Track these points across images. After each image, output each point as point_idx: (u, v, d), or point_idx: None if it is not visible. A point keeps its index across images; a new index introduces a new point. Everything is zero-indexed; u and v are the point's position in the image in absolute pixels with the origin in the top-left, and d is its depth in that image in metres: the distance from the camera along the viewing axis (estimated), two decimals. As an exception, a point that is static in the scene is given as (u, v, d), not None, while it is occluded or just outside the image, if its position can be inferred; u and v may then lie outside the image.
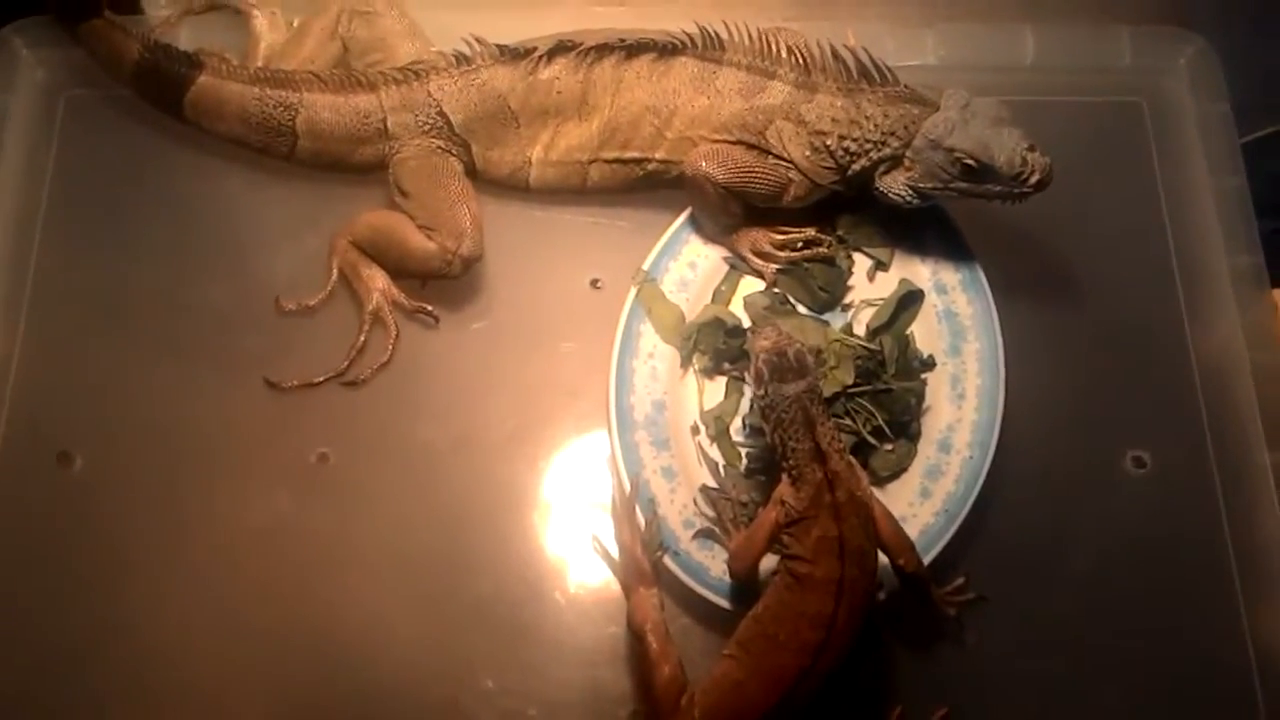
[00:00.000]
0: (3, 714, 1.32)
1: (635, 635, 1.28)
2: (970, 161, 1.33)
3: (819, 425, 1.22)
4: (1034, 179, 1.33)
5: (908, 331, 1.46)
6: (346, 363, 1.45)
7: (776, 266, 1.47)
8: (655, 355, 1.44)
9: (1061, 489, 1.43)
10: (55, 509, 1.39)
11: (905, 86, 1.39)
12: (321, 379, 1.44)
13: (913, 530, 1.33)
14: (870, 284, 1.48)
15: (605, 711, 1.33)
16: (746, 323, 1.46)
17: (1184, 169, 1.57)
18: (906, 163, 1.38)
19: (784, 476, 1.25)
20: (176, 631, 1.35)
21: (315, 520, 1.40)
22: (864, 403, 1.38)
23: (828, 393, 1.35)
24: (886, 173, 1.40)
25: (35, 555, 1.37)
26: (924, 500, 1.37)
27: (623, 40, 1.44)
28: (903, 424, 1.39)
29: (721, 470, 1.41)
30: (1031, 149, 1.33)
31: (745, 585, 1.30)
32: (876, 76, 1.39)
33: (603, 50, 1.44)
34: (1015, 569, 1.39)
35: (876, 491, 1.30)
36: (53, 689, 1.33)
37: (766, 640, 1.21)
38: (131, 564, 1.37)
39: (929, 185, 1.37)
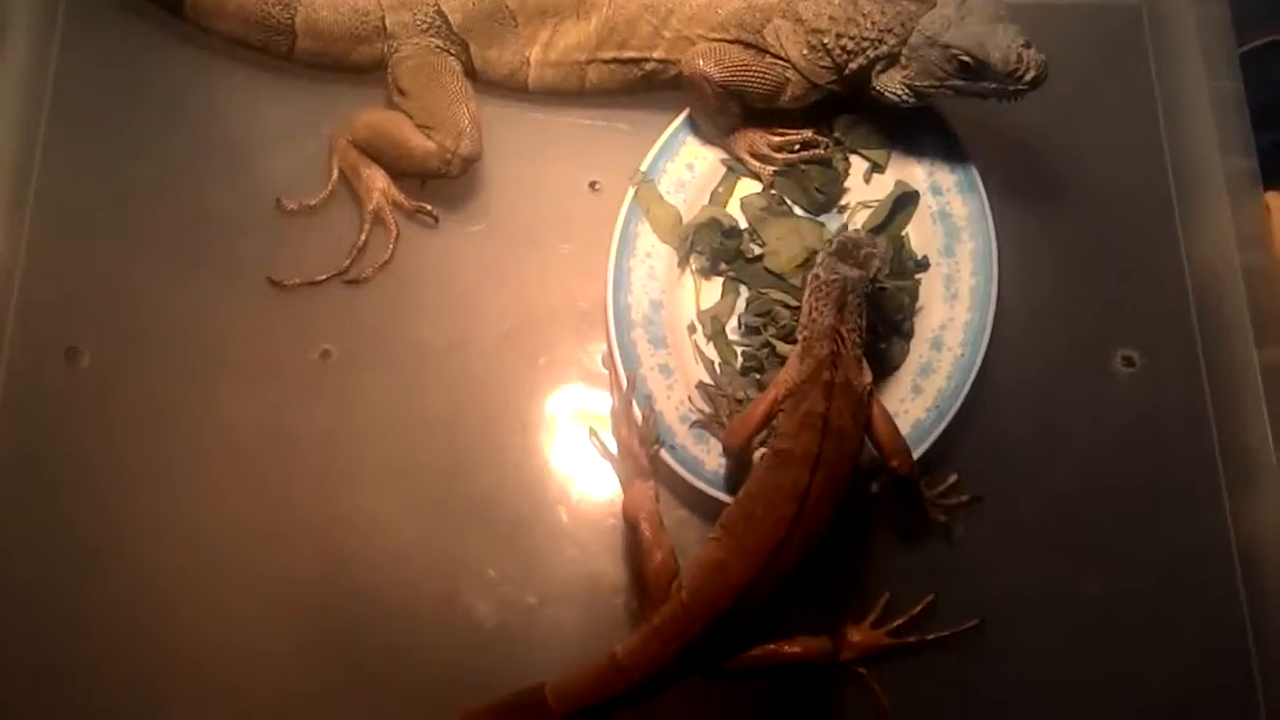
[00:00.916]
0: (10, 606, 1.35)
1: (629, 524, 1.31)
2: (966, 58, 1.34)
3: (847, 310, 1.26)
4: (1029, 76, 1.34)
5: (903, 232, 1.47)
6: (348, 261, 1.47)
7: (774, 168, 1.48)
8: (652, 255, 1.46)
9: (1051, 387, 1.45)
10: (63, 403, 1.42)
11: (902, -16, 1.39)
12: (324, 277, 1.46)
13: (904, 425, 1.35)
14: (867, 186, 1.50)
15: (602, 601, 1.37)
16: (743, 224, 1.48)
17: (1181, 72, 1.57)
18: (903, 61, 1.38)
19: (792, 351, 1.29)
20: (180, 525, 1.38)
21: (317, 416, 1.42)
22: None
23: (806, 294, 1.37)
24: (883, 71, 1.40)
25: (44, 448, 1.40)
26: (916, 396, 1.39)
27: (622, -62, 1.44)
28: (896, 322, 1.41)
29: (717, 368, 1.43)
30: (1027, 45, 1.33)
31: (737, 464, 1.34)
32: (873, -26, 1.39)
33: (602, -53, 1.45)
34: (1004, 464, 1.41)
35: (868, 386, 1.33)
36: (58, 583, 1.36)
37: (746, 518, 1.25)
38: (137, 458, 1.40)
39: (925, 83, 1.38)
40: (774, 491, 1.24)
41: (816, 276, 1.28)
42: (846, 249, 1.28)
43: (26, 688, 1.33)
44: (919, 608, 1.34)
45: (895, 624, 1.33)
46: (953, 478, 1.38)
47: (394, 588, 1.37)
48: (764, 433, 1.32)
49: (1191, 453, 1.43)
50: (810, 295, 1.28)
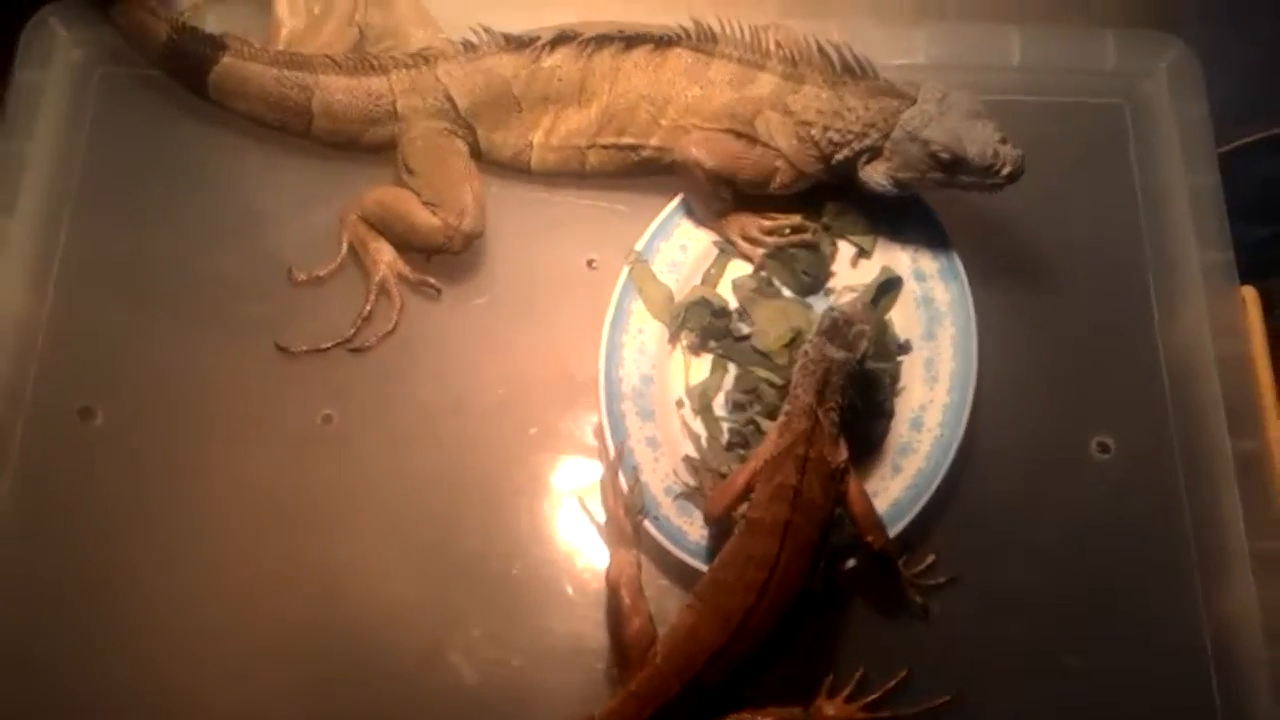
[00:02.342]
0: (20, 651, 1.41)
1: (610, 590, 1.36)
2: (944, 154, 1.40)
3: (828, 391, 1.31)
4: (1005, 171, 1.40)
5: (887, 316, 1.52)
6: (353, 330, 1.53)
7: (764, 251, 1.54)
8: (644, 332, 1.51)
9: (1028, 470, 1.49)
10: (76, 460, 1.48)
11: (886, 81, 1.46)
12: (329, 345, 1.52)
13: (883, 503, 1.39)
14: (853, 269, 1.55)
15: (586, 664, 1.40)
16: (733, 304, 1.53)
17: (1161, 168, 1.63)
18: (886, 154, 1.45)
19: (774, 425, 1.34)
20: (185, 577, 1.43)
21: (318, 477, 1.48)
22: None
23: (795, 369, 1.42)
24: (868, 163, 1.47)
25: (56, 502, 1.46)
26: (895, 475, 1.43)
27: (621, 31, 1.52)
28: (878, 402, 1.46)
29: (703, 442, 1.48)
30: (1004, 141, 1.39)
31: (718, 535, 1.38)
32: (859, 70, 1.47)
33: (602, 41, 1.52)
34: (981, 544, 1.45)
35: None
36: (66, 630, 1.41)
37: (717, 585, 1.29)
38: (145, 513, 1.46)
39: (907, 175, 1.44)
40: (744, 559, 1.29)
41: (805, 353, 1.33)
42: (837, 327, 1.32)
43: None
44: (893, 682, 1.37)
45: (870, 698, 1.36)
46: (931, 558, 1.42)
47: (382, 641, 1.42)
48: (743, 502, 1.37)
49: (1165, 537, 1.46)
50: (797, 370, 1.33)
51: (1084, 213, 1.61)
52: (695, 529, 1.42)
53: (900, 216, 1.54)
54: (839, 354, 1.31)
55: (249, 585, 1.44)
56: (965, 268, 1.51)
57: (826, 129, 1.46)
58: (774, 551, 1.26)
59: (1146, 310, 1.56)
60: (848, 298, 1.52)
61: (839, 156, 1.47)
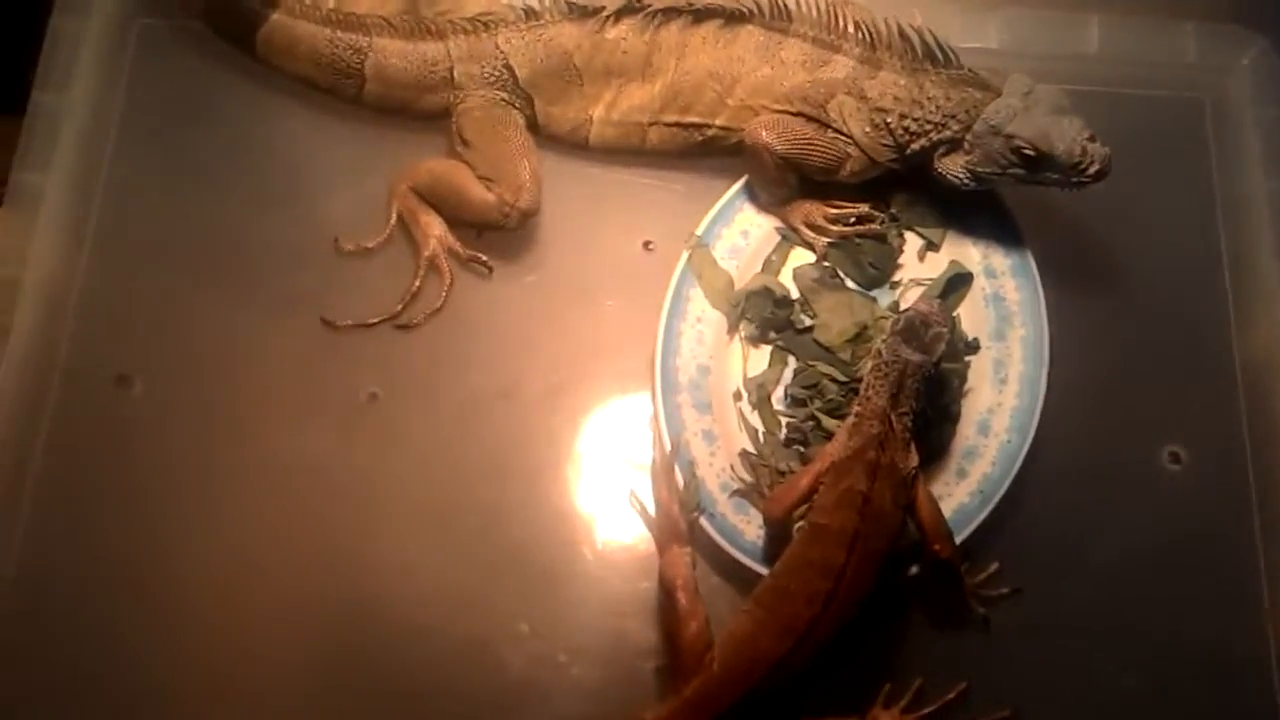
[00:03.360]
0: (45, 625, 1.36)
1: (665, 591, 1.31)
2: (1029, 150, 1.34)
3: (902, 394, 1.26)
4: (1093, 169, 1.34)
5: (955, 313, 1.47)
6: (400, 306, 1.47)
7: (828, 240, 1.49)
8: (703, 320, 1.46)
9: (1096, 479, 1.45)
10: (112, 429, 1.43)
11: (969, 70, 1.40)
12: (375, 320, 1.47)
13: (948, 509, 1.34)
14: (920, 263, 1.50)
15: (631, 663, 1.36)
16: (795, 294, 1.48)
17: (1240, 169, 1.57)
18: (966, 146, 1.39)
19: (842, 425, 1.30)
20: (221, 555, 1.39)
21: (361, 457, 1.43)
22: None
23: (867, 369, 1.38)
24: (945, 155, 1.41)
25: (90, 472, 1.41)
26: (960, 480, 1.39)
27: (690, 4, 1.45)
28: (943, 405, 1.40)
29: (761, 437, 1.43)
30: (1092, 139, 1.33)
31: (775, 535, 1.33)
32: (941, 58, 1.40)
33: (670, 13, 1.46)
34: (1045, 554, 1.41)
35: (911, 467, 1.33)
36: (93, 606, 1.37)
37: (779, 592, 1.25)
38: (182, 487, 1.41)
39: (986, 170, 1.39)
40: (808, 567, 1.24)
41: (879, 353, 1.28)
42: (914, 328, 1.27)
43: (57, 698, 1.34)
44: (951, 694, 1.33)
45: (926, 711, 1.32)
46: (994, 566, 1.37)
47: (423, 629, 1.38)
48: (805, 505, 1.32)
49: (1234, 553, 1.42)
50: (869, 370, 1.28)
51: (1159, 211, 1.56)
52: (752, 528, 1.38)
53: (971, 209, 1.49)
54: (915, 356, 1.26)
55: (284, 566, 1.39)
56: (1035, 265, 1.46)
57: (903, 117, 1.40)
58: (840, 561, 1.21)
59: (1223, 316, 1.51)
60: (915, 293, 1.47)
61: (914, 147, 1.41)
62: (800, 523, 1.32)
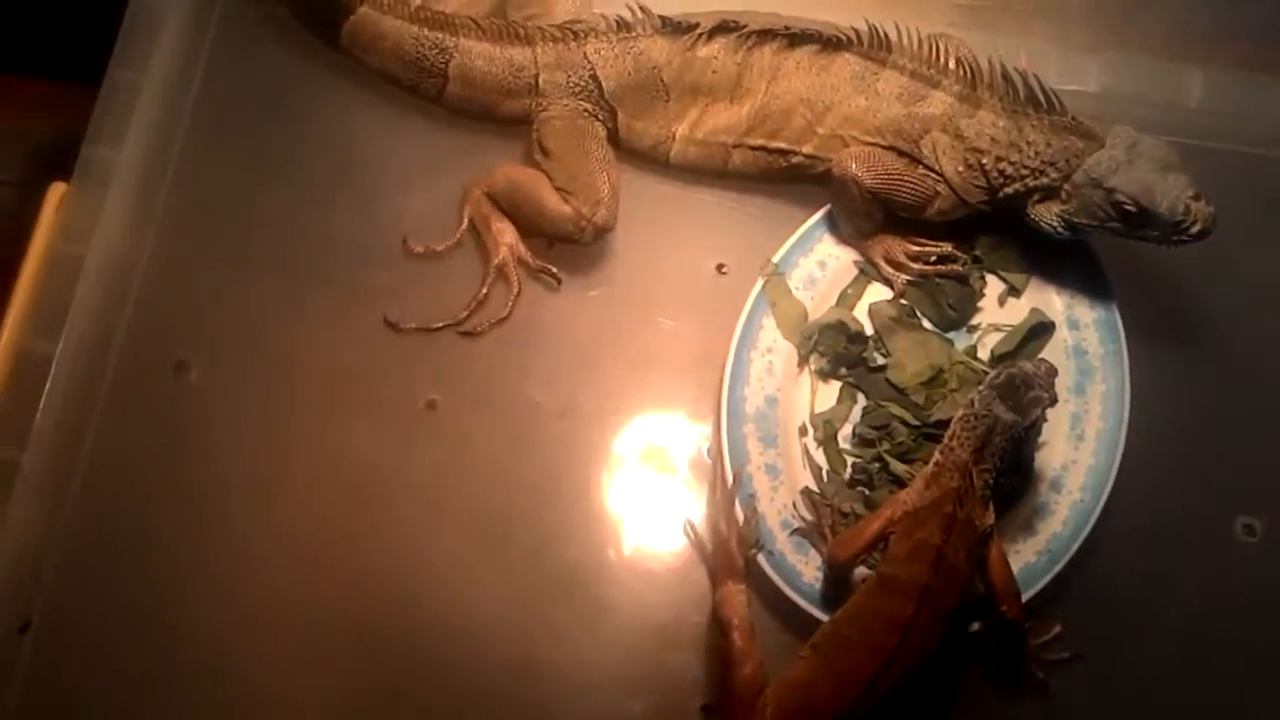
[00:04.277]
0: (100, 608, 1.34)
1: (720, 629, 1.28)
2: (1130, 206, 1.30)
3: (987, 451, 1.22)
4: (1195, 229, 1.29)
5: (1033, 364, 1.43)
6: (466, 312, 1.45)
7: (908, 277, 1.45)
8: (773, 350, 1.42)
9: (1167, 545, 1.40)
10: (168, 417, 1.41)
11: (1072, 118, 1.35)
12: (439, 325, 1.44)
13: (1013, 566, 1.30)
14: (1000, 309, 1.46)
15: (678, 699, 1.33)
16: (869, 330, 1.44)
17: (1337, 235, 1.52)
18: (1063, 195, 1.34)
19: (920, 473, 1.26)
20: (270, 552, 1.37)
21: (417, 465, 1.40)
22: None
23: (944, 415, 1.34)
24: (1040, 202, 1.36)
25: (145, 458, 1.39)
26: (1028, 537, 1.35)
27: (787, 27, 1.42)
28: (1019, 457, 1.36)
29: (825, 475, 1.39)
30: (1196, 198, 1.29)
31: (839, 578, 1.30)
32: (1044, 103, 1.36)
33: (765, 35, 1.42)
34: (1110, 620, 1.37)
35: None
36: (140, 590, 1.35)
37: (840, 641, 1.21)
38: (234, 480, 1.39)
39: (1083, 221, 1.34)
40: (873, 618, 1.21)
41: (971, 404, 1.24)
42: (1013, 386, 1.23)
43: (97, 690, 1.32)
44: (1004, 757, 1.30)
45: (978, 771, 1.28)
46: (1057, 629, 1.34)
47: (468, 646, 1.35)
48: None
49: (1305, 634, 1.38)
50: (957, 421, 1.24)
51: (1253, 273, 1.51)
52: (810, 570, 1.34)
53: (1058, 257, 1.44)
54: (1007, 415, 1.22)
55: (330, 570, 1.37)
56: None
57: (999, 160, 1.36)
58: (908, 615, 1.18)
59: (1310, 389, 1.46)
60: (994, 339, 1.43)
61: (1007, 190, 1.37)
62: (862, 569, 1.29)
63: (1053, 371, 1.25)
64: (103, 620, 1.33)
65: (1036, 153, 1.34)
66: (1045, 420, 1.36)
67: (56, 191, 1.45)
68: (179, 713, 1.32)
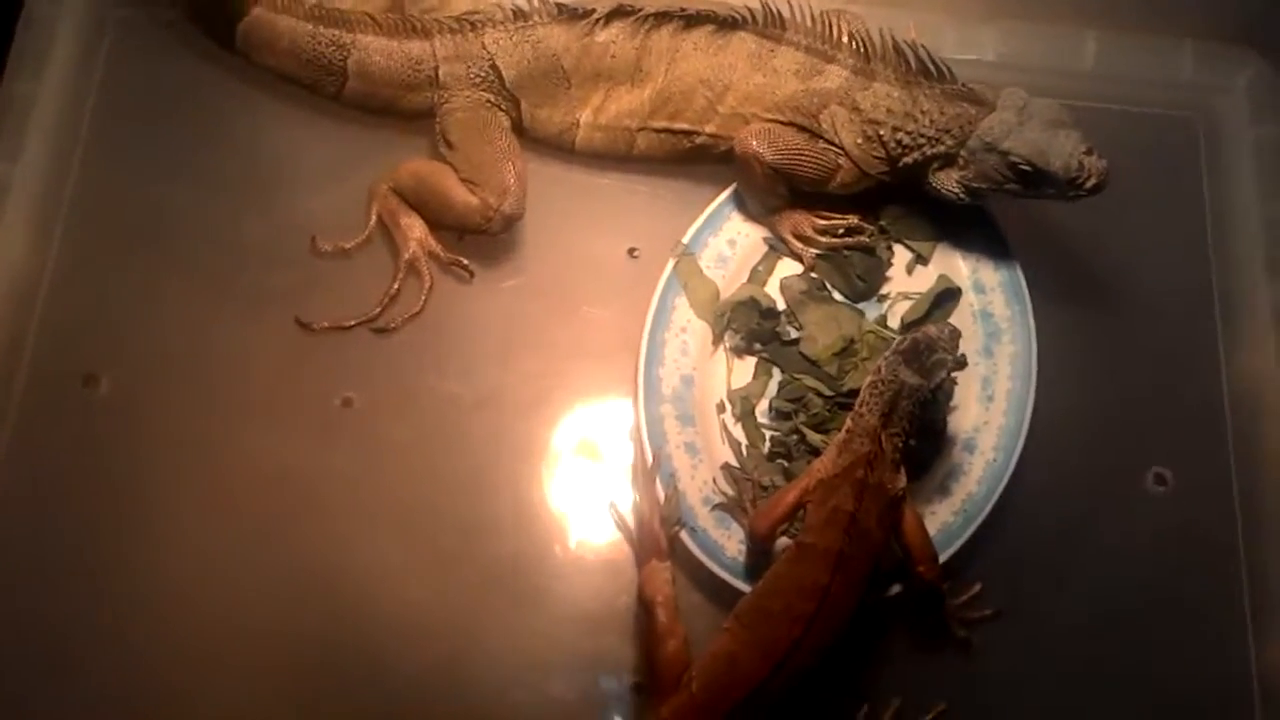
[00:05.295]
0: (17, 627, 1.32)
1: (645, 608, 1.29)
2: (1025, 166, 1.32)
3: (895, 415, 1.23)
4: (1089, 184, 1.32)
5: (941, 330, 1.45)
6: (379, 309, 1.44)
7: (816, 251, 1.46)
8: (687, 330, 1.44)
9: (1081, 499, 1.43)
10: (78, 430, 1.39)
11: (964, 85, 1.37)
12: (352, 323, 1.44)
13: (930, 527, 1.32)
14: (908, 277, 1.48)
15: (609, 681, 1.34)
16: (781, 305, 1.46)
17: (1232, 190, 1.56)
18: (960, 161, 1.37)
19: (832, 442, 1.27)
20: (189, 560, 1.35)
21: (334, 464, 1.40)
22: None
23: (857, 384, 1.36)
24: (940, 170, 1.39)
25: (57, 474, 1.37)
26: (944, 498, 1.37)
27: (683, 9, 1.43)
28: (930, 421, 1.38)
29: (744, 450, 1.41)
30: (1089, 152, 1.32)
31: (762, 550, 1.31)
32: (935, 73, 1.38)
33: (662, 18, 1.43)
34: (1028, 574, 1.39)
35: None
36: (65, 605, 1.33)
37: (761, 612, 1.23)
38: (149, 490, 1.37)
39: (982, 185, 1.37)
40: (792, 587, 1.22)
41: (878, 370, 1.26)
42: (917, 350, 1.25)
43: (14, 705, 1.31)
44: (930, 716, 1.31)
45: (905, 732, 1.30)
46: (976, 587, 1.35)
47: (397, 645, 1.35)
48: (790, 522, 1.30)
49: (1218, 579, 1.41)
50: (865, 388, 1.26)
51: (1150, 230, 1.54)
52: (733, 544, 1.35)
53: (961, 224, 1.47)
54: (913, 379, 1.23)
55: (253, 577, 1.36)
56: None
57: (896, 130, 1.38)
58: (825, 581, 1.19)
59: (1211, 338, 1.50)
60: (903, 307, 1.45)
61: (906, 160, 1.39)
62: (784, 539, 1.30)
63: (956, 334, 1.27)
64: (12, 638, 1.32)
65: (931, 121, 1.36)
66: (955, 384, 1.39)
67: (-45, 207, 1.43)
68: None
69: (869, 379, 1.26)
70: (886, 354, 1.26)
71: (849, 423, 1.26)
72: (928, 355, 1.24)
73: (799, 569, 1.21)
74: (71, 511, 1.36)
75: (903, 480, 1.25)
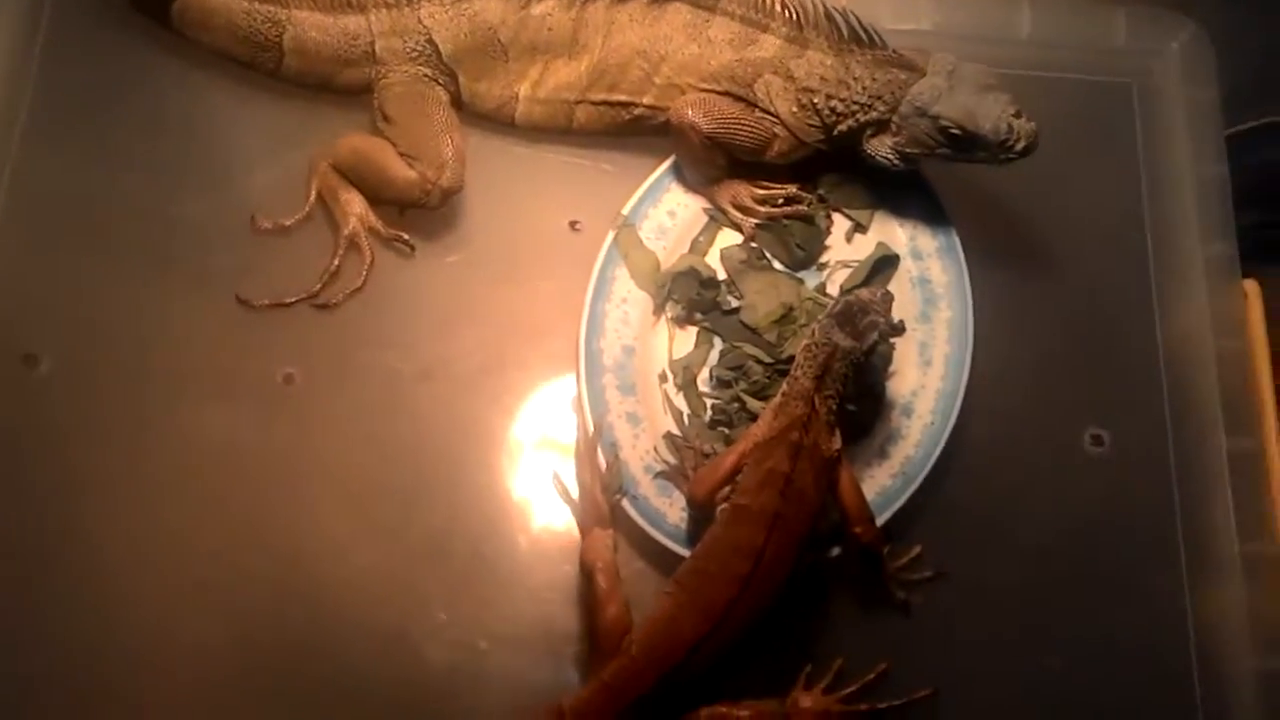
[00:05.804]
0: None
1: (585, 574, 1.30)
2: (955, 130, 1.34)
3: (829, 378, 1.24)
4: (1019, 145, 1.34)
5: (879, 295, 1.46)
6: (319, 285, 1.44)
7: (756, 221, 1.47)
8: (628, 301, 1.44)
9: (1019, 461, 1.45)
10: (17, 410, 1.38)
11: (894, 51, 1.39)
12: (293, 300, 1.44)
13: (870, 491, 1.34)
14: (847, 245, 1.49)
15: (554, 648, 1.34)
16: (721, 275, 1.47)
17: (1167, 153, 1.57)
18: (893, 127, 1.38)
19: (767, 405, 1.29)
20: (129, 541, 1.35)
21: (277, 440, 1.40)
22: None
23: (794, 351, 1.37)
24: (873, 136, 1.40)
25: (-3, 456, 1.37)
26: (882, 462, 1.38)
27: (618, -19, 1.43)
28: (868, 385, 1.40)
29: (686, 419, 1.42)
30: (1018, 115, 1.33)
31: (699, 518, 1.32)
32: (866, 39, 1.39)
33: (598, -11, 1.44)
34: (967, 536, 1.40)
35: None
36: (3, 590, 1.33)
37: (698, 574, 1.24)
38: (90, 470, 1.37)
39: (914, 150, 1.38)
40: (729, 549, 1.23)
41: (812, 333, 1.27)
42: (850, 313, 1.26)
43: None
44: (872, 675, 1.32)
45: (847, 690, 1.30)
46: (916, 549, 1.37)
47: (343, 618, 1.35)
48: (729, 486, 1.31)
49: (1155, 536, 1.43)
50: (800, 352, 1.27)
51: (1086, 194, 1.56)
52: (675, 511, 1.36)
53: (899, 191, 1.48)
54: (846, 342, 1.24)
55: (197, 555, 1.35)
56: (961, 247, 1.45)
57: (830, 98, 1.39)
58: (760, 542, 1.20)
59: (1146, 299, 1.51)
60: (842, 275, 1.47)
61: (841, 127, 1.40)
62: (723, 504, 1.31)
63: (889, 297, 1.29)
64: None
65: (864, 88, 1.37)
66: (893, 349, 1.41)
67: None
68: (35, 714, 1.30)
69: (804, 343, 1.27)
70: (821, 318, 1.27)
71: (784, 386, 1.27)
72: (860, 318, 1.25)
73: (735, 530, 1.23)
74: (11, 490, 1.35)
75: (838, 442, 1.26)
